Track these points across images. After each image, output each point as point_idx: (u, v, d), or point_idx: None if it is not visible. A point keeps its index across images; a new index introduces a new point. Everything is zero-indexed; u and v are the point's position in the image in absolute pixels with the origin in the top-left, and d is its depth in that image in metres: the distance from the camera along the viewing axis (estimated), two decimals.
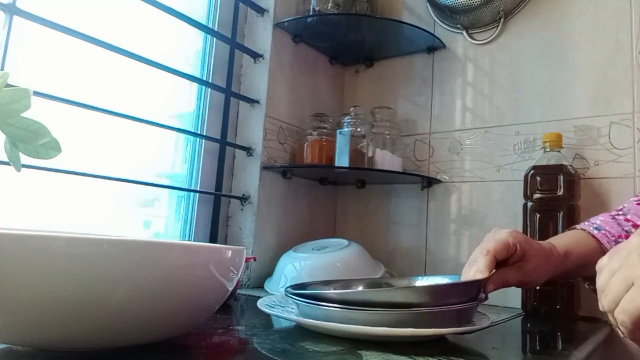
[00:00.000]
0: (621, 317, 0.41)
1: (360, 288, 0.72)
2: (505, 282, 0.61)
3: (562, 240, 0.70)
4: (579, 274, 0.74)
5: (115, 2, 0.86)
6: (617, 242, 0.69)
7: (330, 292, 0.54)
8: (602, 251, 0.69)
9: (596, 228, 0.71)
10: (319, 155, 1.04)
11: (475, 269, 0.57)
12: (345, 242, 0.94)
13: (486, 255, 0.58)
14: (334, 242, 0.96)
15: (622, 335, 0.44)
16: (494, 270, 0.58)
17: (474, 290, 0.56)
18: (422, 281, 0.71)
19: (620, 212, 0.73)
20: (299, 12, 1.10)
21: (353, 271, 0.86)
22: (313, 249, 0.92)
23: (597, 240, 0.70)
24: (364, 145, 1.02)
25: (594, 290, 0.71)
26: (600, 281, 0.44)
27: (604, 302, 0.43)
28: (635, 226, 0.70)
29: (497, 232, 0.63)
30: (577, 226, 0.74)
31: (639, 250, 0.41)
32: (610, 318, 0.43)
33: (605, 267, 0.44)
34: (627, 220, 0.71)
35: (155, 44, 0.92)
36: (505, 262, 0.62)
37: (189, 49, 1.04)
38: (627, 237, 0.69)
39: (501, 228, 0.64)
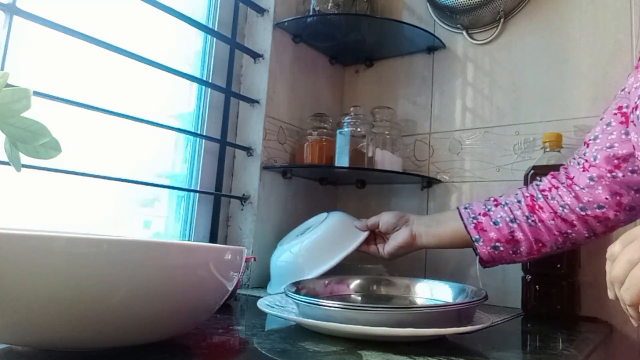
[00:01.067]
0: None
1: (357, 282, 0.72)
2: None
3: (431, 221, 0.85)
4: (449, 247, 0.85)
5: (116, 2, 0.86)
6: (475, 219, 0.78)
7: (330, 303, 0.54)
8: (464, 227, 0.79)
9: (465, 207, 0.81)
10: (319, 155, 1.04)
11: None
12: (323, 215, 0.93)
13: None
14: (313, 221, 0.94)
15: (635, 324, 0.43)
16: None
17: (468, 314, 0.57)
18: (422, 284, 0.71)
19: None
20: (299, 12, 1.10)
21: (336, 242, 0.86)
22: (297, 236, 0.91)
23: (461, 216, 0.80)
24: (364, 145, 1.02)
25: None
26: (616, 272, 0.42)
27: (625, 296, 0.41)
28: (496, 201, 0.79)
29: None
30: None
31: None
32: (633, 313, 0.41)
33: (621, 257, 0.42)
34: (494, 200, 0.80)
35: (155, 44, 0.92)
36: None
37: (189, 49, 1.04)
38: (485, 214, 0.78)
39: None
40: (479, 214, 0.78)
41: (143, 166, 0.92)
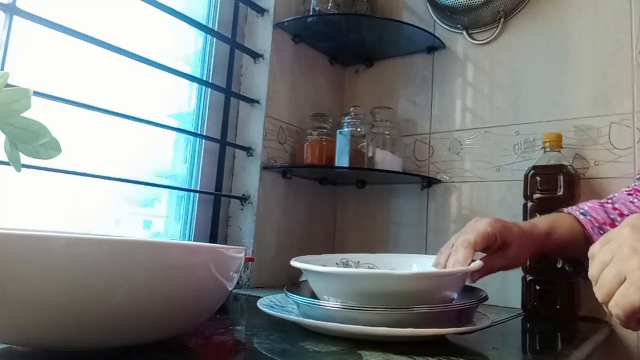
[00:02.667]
0: (615, 311, 0.41)
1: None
2: (490, 269, 0.63)
3: (545, 221, 0.71)
4: (560, 255, 0.76)
5: (116, 2, 0.86)
6: (601, 229, 0.70)
7: (330, 303, 0.54)
8: (585, 236, 0.70)
9: (582, 213, 0.72)
10: (319, 155, 1.04)
11: (454, 260, 0.59)
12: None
13: (466, 248, 0.59)
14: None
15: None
16: (474, 260, 0.59)
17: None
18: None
19: (610, 201, 0.74)
20: (299, 12, 1.10)
21: None
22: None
23: (582, 225, 0.70)
24: (364, 145, 1.02)
25: (574, 272, 0.71)
26: (592, 271, 0.44)
27: (597, 295, 0.44)
28: (622, 215, 0.71)
29: (478, 222, 0.64)
30: (565, 210, 0.74)
31: (631, 243, 0.41)
32: (605, 309, 0.43)
33: (596, 257, 0.44)
34: (614, 208, 0.72)
35: (155, 44, 0.92)
36: (487, 250, 0.64)
37: (189, 49, 1.04)
38: (612, 225, 0.70)
39: (482, 217, 0.65)
40: (603, 224, 0.70)
41: (143, 166, 0.92)
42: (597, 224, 0.71)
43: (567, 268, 0.76)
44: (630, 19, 0.91)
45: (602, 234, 0.63)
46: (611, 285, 0.42)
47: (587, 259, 0.46)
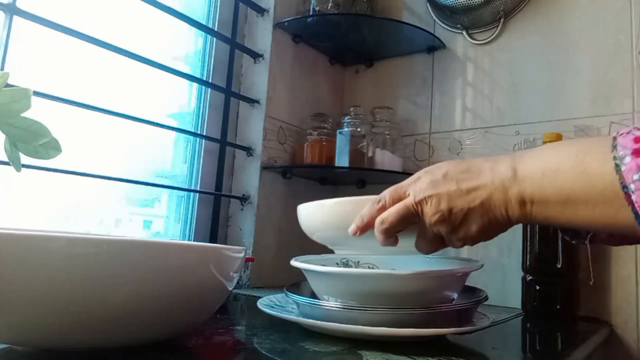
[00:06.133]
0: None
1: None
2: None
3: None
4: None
5: (115, 2, 0.86)
6: None
7: (330, 303, 0.54)
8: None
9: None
10: (319, 155, 1.04)
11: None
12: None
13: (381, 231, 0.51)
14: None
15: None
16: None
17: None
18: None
19: None
20: (299, 12, 1.10)
21: None
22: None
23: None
24: (364, 145, 1.02)
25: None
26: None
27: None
28: None
29: (419, 180, 0.51)
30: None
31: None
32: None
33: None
34: None
35: (155, 44, 0.92)
36: None
37: (189, 49, 1.04)
38: None
39: (440, 166, 0.52)
40: None
41: (143, 166, 0.92)
42: None
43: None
44: (630, 19, 0.91)
45: None
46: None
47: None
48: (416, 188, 0.47)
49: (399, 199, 0.48)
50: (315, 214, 0.60)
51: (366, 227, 0.49)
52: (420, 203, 0.46)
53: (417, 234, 0.49)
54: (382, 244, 0.49)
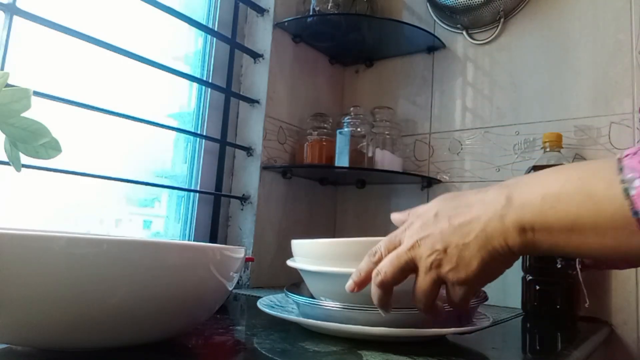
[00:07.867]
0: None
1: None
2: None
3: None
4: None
5: (115, 2, 0.86)
6: None
7: (330, 303, 0.54)
8: None
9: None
10: (319, 155, 1.04)
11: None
12: None
13: (379, 289, 0.46)
14: None
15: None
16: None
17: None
18: None
19: None
20: (299, 12, 1.10)
21: None
22: None
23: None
24: (364, 145, 1.02)
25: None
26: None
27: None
28: None
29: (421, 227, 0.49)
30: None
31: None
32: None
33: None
34: None
35: (155, 44, 0.92)
36: None
37: (189, 49, 1.04)
38: None
39: (443, 205, 0.49)
40: None
41: (143, 166, 0.92)
42: None
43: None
44: (630, 19, 0.91)
45: None
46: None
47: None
48: (408, 234, 0.45)
49: (394, 249, 0.45)
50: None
51: (364, 282, 0.46)
52: (413, 247, 0.44)
53: (414, 286, 0.45)
54: (380, 304, 0.45)
